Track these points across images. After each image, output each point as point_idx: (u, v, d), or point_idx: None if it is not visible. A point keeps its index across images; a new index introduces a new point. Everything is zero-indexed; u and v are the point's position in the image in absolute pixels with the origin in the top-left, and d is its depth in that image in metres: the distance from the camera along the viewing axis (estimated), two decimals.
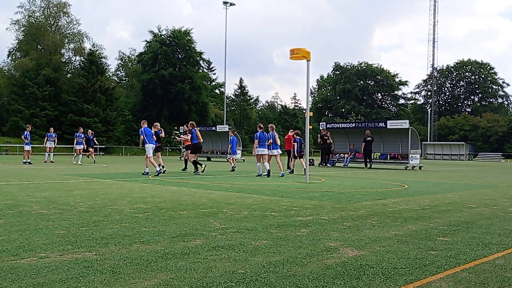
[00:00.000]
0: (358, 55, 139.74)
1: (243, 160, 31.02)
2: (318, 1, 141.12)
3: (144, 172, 13.97)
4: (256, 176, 14.16)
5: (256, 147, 14.46)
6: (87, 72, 48.78)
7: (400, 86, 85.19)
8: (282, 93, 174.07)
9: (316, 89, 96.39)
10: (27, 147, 20.50)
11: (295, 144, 17.08)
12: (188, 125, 15.52)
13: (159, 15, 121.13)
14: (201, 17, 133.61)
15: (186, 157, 15.98)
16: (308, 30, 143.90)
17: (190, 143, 15.26)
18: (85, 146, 21.88)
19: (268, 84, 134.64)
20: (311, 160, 24.43)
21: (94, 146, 23.50)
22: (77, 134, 21.80)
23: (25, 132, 20.84)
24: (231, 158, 17.91)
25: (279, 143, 14.76)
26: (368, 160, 21.75)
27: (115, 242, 4.16)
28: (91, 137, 22.41)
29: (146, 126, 14.34)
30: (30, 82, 46.61)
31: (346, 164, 23.47)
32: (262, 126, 14.86)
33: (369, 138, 21.71)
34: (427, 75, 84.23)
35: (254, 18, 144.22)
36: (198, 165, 14.80)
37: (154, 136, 14.37)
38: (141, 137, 14.19)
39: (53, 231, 4.58)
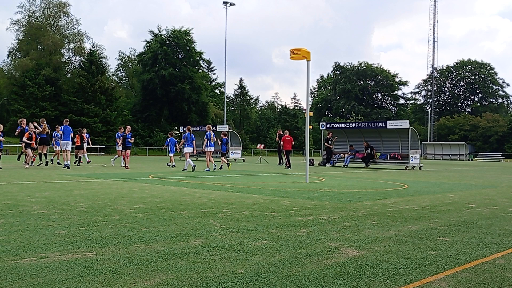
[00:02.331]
0: (357, 55, 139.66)
1: (243, 160, 31.00)
2: (316, 0, 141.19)
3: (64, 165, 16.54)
4: (183, 170, 16.10)
5: (184, 146, 16.47)
6: (87, 72, 48.71)
7: (400, 86, 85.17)
8: (281, 93, 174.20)
9: (316, 89, 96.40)
10: (58, 148, 19.84)
11: (221, 143, 19.66)
12: (40, 121, 18.19)
13: (157, 15, 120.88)
14: (200, 17, 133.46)
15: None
16: (307, 29, 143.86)
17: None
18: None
19: (267, 84, 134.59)
20: (311, 160, 24.43)
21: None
22: (119, 135, 19.71)
23: (55, 132, 19.88)
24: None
25: (213, 142, 16.88)
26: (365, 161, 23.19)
27: (115, 242, 4.16)
28: (129, 136, 19.56)
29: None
30: (30, 82, 46.57)
31: (346, 164, 23.48)
32: (190, 128, 17.34)
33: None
34: (427, 75, 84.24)
35: (252, 18, 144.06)
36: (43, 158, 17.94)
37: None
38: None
39: (53, 231, 4.58)
